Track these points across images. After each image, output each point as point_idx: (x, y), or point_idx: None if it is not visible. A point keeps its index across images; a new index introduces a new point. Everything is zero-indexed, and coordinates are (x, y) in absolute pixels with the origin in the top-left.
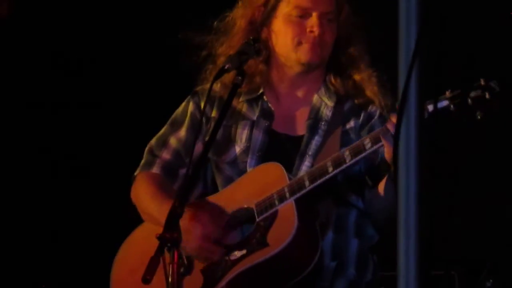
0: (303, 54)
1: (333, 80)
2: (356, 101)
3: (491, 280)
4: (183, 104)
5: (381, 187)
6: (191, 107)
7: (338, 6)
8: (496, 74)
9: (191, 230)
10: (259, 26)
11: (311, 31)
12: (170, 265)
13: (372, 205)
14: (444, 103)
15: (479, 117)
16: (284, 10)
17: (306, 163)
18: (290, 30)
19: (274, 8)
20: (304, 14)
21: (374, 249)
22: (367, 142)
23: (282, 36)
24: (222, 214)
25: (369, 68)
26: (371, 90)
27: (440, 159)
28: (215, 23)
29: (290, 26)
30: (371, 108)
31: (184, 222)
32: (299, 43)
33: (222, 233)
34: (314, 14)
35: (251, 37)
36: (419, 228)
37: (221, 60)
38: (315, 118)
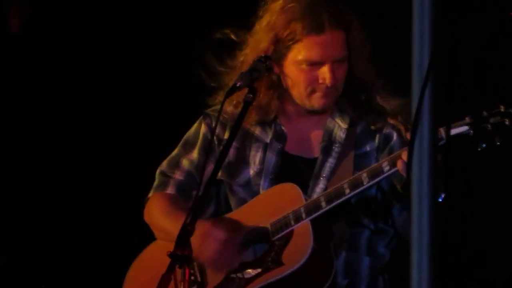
0: (317, 101)
1: (346, 103)
2: (372, 126)
3: None
4: (195, 125)
5: None
6: (203, 128)
7: (349, 46)
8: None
9: (212, 234)
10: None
11: (323, 82)
12: (182, 283)
13: (405, 227)
14: (464, 128)
15: (498, 143)
16: (295, 57)
17: (321, 185)
18: (302, 78)
19: (285, 53)
20: (315, 64)
21: (385, 268)
22: (385, 165)
23: (294, 82)
24: (238, 230)
25: (390, 92)
26: (393, 117)
27: (454, 177)
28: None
29: (302, 75)
30: (386, 130)
31: (205, 227)
32: (312, 92)
33: (240, 244)
34: (326, 65)
35: (262, 55)
36: (432, 247)
37: (228, 84)
38: (328, 140)
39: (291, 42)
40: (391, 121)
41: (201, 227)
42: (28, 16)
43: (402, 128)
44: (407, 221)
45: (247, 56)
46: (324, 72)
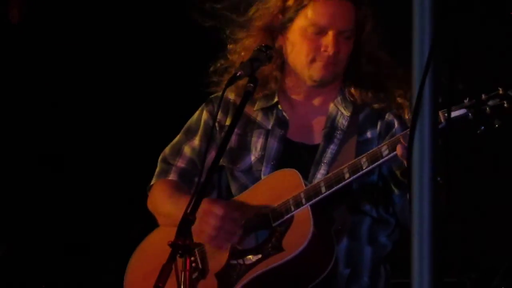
0: (316, 71)
1: (352, 90)
2: (375, 105)
3: (503, 287)
4: (197, 112)
5: None
6: (205, 115)
7: (358, 22)
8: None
9: (211, 211)
10: (275, 31)
11: (325, 50)
12: (183, 273)
13: (404, 214)
14: (462, 111)
15: (496, 126)
16: (301, 23)
17: (322, 171)
18: (305, 45)
19: (292, 19)
20: (320, 32)
21: (387, 258)
22: (385, 149)
23: (296, 50)
24: (237, 208)
25: (402, 78)
26: (403, 95)
27: (454, 165)
28: (234, 16)
29: (305, 42)
30: (388, 117)
31: (203, 206)
32: (313, 60)
33: (241, 224)
34: (330, 33)
35: (263, 44)
36: (433, 235)
37: (233, 57)
38: (331, 127)
39: (299, 7)
40: (399, 100)
41: (200, 205)
42: (28, 7)
43: (407, 107)
44: (406, 208)
45: (256, 21)
46: (328, 40)
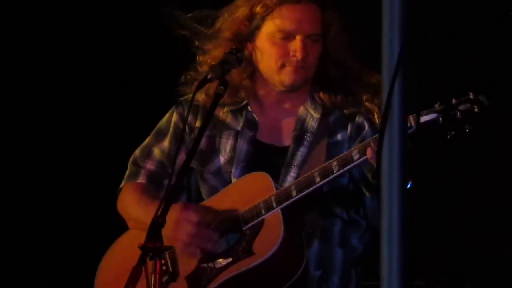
0: (286, 76)
1: (321, 94)
2: (345, 111)
3: None
4: (167, 114)
5: None
6: (175, 117)
7: (324, 26)
8: (483, 85)
9: (185, 218)
10: (244, 40)
11: (294, 55)
12: (153, 275)
13: (376, 216)
14: (433, 115)
15: (467, 130)
16: (268, 29)
17: (292, 174)
18: (273, 51)
19: (259, 26)
20: (287, 37)
21: (358, 260)
22: (355, 153)
23: (266, 56)
24: (209, 212)
25: (369, 82)
26: (371, 100)
27: (424, 169)
28: (203, 29)
29: (274, 48)
30: (359, 119)
31: (174, 213)
32: (282, 66)
33: (213, 227)
34: (298, 37)
35: (233, 47)
36: (402, 238)
37: (203, 69)
38: (300, 129)
39: (265, 13)
40: (368, 105)
41: (173, 212)
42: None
43: (377, 111)
44: (377, 210)
45: (224, 31)
46: (296, 45)
